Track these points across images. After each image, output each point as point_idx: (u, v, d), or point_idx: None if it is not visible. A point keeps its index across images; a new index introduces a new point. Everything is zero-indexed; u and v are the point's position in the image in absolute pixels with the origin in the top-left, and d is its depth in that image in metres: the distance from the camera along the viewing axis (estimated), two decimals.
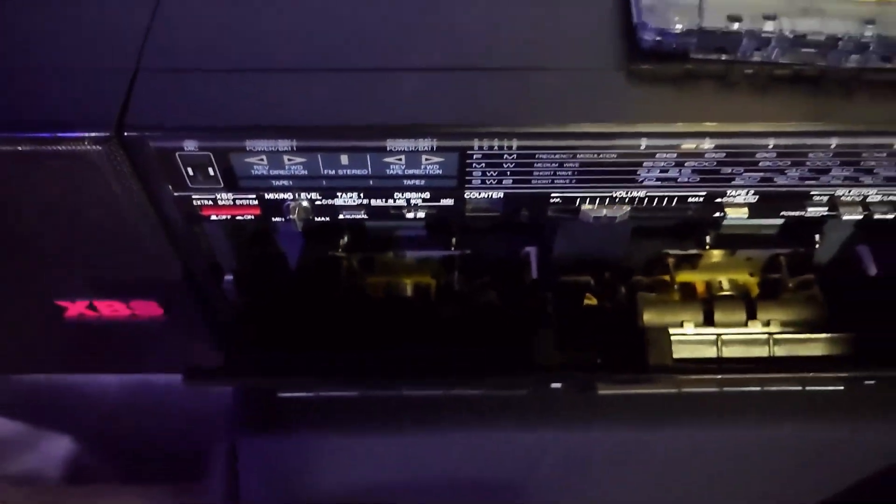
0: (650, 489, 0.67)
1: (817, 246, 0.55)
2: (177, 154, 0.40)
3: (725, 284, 0.60)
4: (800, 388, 0.61)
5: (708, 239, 0.54)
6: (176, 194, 0.43)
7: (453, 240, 0.54)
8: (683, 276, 0.60)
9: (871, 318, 0.55)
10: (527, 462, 0.65)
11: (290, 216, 0.43)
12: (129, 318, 0.54)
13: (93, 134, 0.39)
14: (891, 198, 0.44)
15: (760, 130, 0.40)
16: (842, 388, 0.61)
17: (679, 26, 0.40)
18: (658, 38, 0.40)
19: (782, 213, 0.45)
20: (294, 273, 0.56)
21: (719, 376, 0.54)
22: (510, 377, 0.54)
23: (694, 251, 0.58)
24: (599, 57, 0.42)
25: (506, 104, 0.40)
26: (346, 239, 0.53)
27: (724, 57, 0.41)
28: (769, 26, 0.40)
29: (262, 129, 0.39)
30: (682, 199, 0.44)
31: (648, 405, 0.63)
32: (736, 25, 0.40)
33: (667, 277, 0.58)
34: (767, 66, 0.41)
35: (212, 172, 0.41)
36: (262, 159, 0.41)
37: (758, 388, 0.62)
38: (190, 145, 0.40)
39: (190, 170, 0.41)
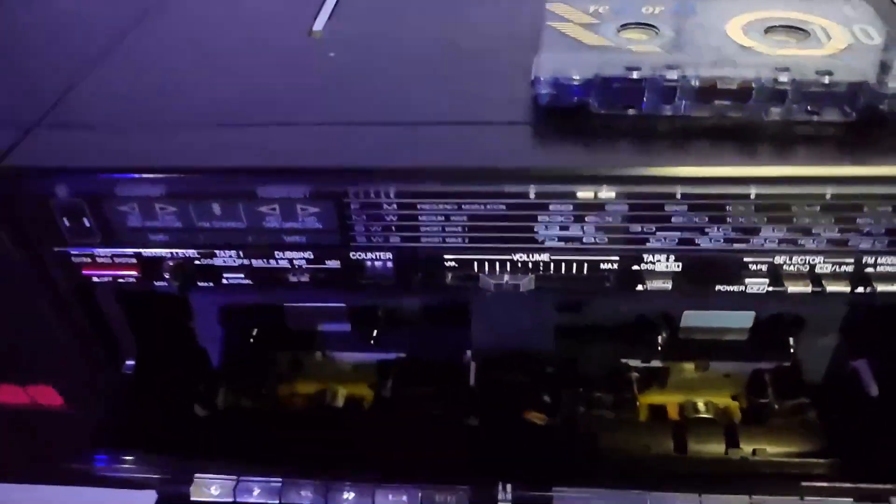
0: None
1: (794, 352, 0.47)
2: (50, 202, 0.39)
3: (701, 406, 0.52)
4: None
5: (661, 340, 0.47)
6: (55, 249, 0.41)
7: (374, 332, 0.49)
8: (652, 397, 0.52)
9: (874, 443, 0.45)
10: None
11: (168, 276, 0.41)
12: (29, 405, 0.50)
13: None
14: (843, 268, 0.37)
15: (661, 175, 0.35)
16: None
17: (576, 76, 0.38)
18: (554, 92, 0.38)
19: (717, 288, 0.39)
20: (211, 367, 0.52)
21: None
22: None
23: (659, 364, 0.51)
24: (506, 112, 0.39)
25: (382, 150, 0.37)
26: (257, 330, 0.50)
27: (630, 112, 0.38)
28: (672, 75, 0.37)
29: (128, 168, 0.38)
30: (594, 265, 0.38)
31: None
32: (635, 74, 0.37)
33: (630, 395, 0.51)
34: (679, 120, 0.38)
35: (87, 224, 0.40)
36: (133, 207, 0.39)
37: None
38: (62, 191, 0.38)
39: (66, 220, 0.40)
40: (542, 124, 0.38)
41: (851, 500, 0.43)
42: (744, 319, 0.47)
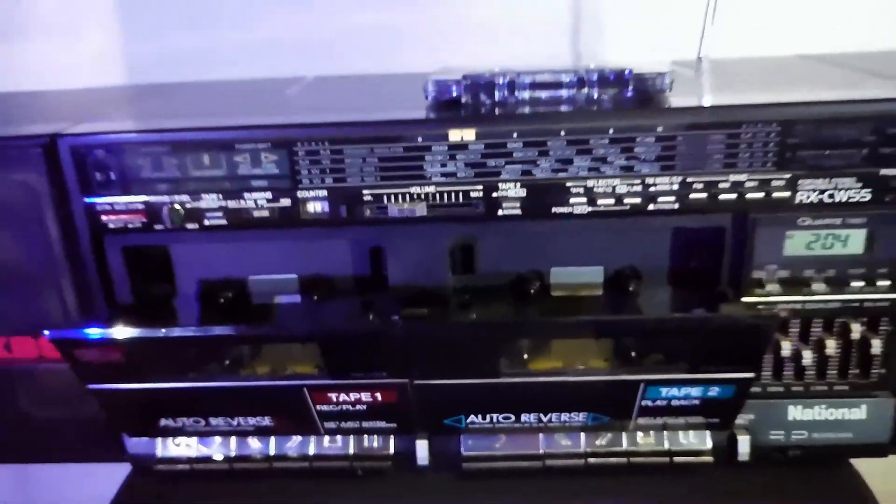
0: None
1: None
2: (87, 158, 0.56)
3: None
4: (667, 459, 0.61)
5: (532, 290, 0.61)
6: (86, 200, 0.57)
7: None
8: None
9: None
10: None
11: (165, 217, 0.57)
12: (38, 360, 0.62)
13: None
14: (634, 188, 0.55)
15: (504, 124, 0.54)
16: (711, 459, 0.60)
17: (452, 79, 0.58)
18: (437, 90, 0.58)
19: (553, 210, 0.55)
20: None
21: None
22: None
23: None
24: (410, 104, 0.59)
25: (325, 114, 0.56)
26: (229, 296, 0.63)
27: (483, 99, 0.58)
28: (511, 77, 0.57)
29: (147, 131, 0.56)
30: (465, 193, 0.55)
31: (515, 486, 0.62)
32: (487, 76, 0.57)
33: None
34: (515, 104, 0.57)
35: (112, 176, 0.56)
36: (147, 160, 0.56)
37: (625, 461, 0.61)
38: (97, 149, 0.56)
39: (98, 174, 0.56)
40: (430, 108, 0.58)
41: None
42: (596, 274, 0.62)
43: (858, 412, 0.61)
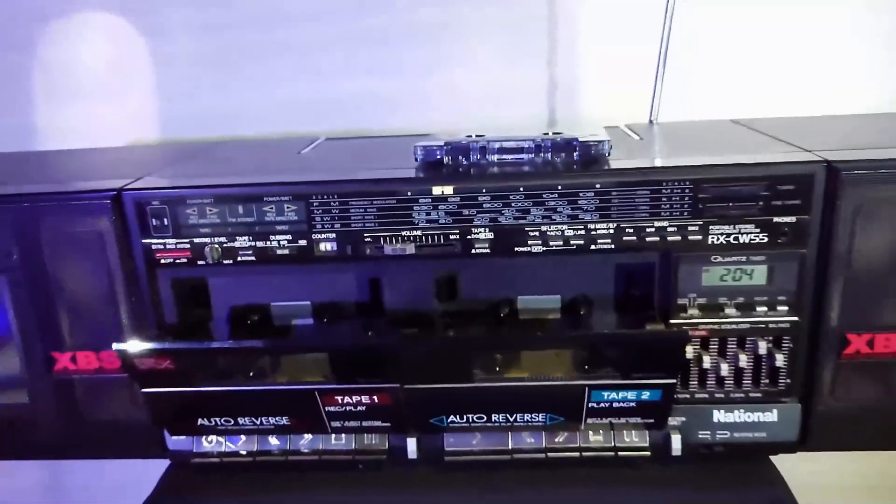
0: None
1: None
2: (147, 207, 0.71)
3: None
4: (613, 454, 0.74)
5: (502, 314, 0.75)
6: (143, 241, 0.72)
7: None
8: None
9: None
10: None
11: (207, 254, 0.71)
12: (97, 371, 0.76)
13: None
14: (579, 232, 0.69)
15: (467, 184, 0.68)
16: (649, 454, 0.73)
17: (436, 145, 0.72)
18: (424, 153, 0.73)
19: (516, 249, 0.70)
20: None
21: None
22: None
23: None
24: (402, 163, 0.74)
25: (335, 174, 0.71)
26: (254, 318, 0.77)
27: (461, 160, 0.72)
28: (483, 143, 0.72)
29: (197, 187, 0.70)
30: (446, 236, 0.70)
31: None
32: (473, 137, 0.72)
33: None
34: (486, 165, 0.72)
35: (165, 222, 0.71)
36: (193, 210, 0.70)
37: (578, 455, 0.74)
38: (154, 201, 0.71)
39: (154, 219, 0.71)
40: (418, 168, 0.72)
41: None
42: (555, 301, 0.76)
43: (771, 415, 0.74)
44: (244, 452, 0.76)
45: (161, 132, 1.14)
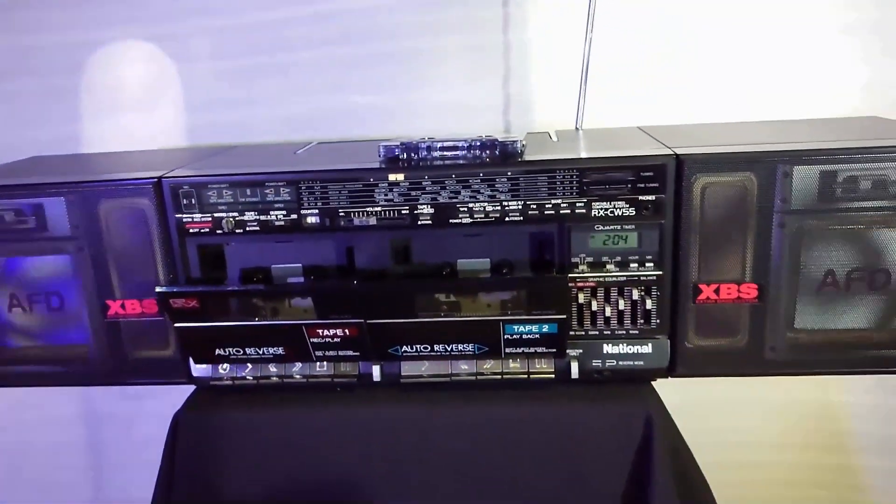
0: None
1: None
2: (179, 190, 0.96)
3: None
4: (526, 376, 0.98)
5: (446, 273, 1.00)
6: (176, 216, 0.97)
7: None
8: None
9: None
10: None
11: (224, 225, 0.96)
12: (140, 315, 1.01)
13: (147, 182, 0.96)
14: (495, 208, 0.93)
15: (416, 174, 0.93)
16: (553, 377, 0.97)
17: (393, 144, 0.97)
18: (384, 151, 0.97)
19: (450, 221, 0.94)
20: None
21: None
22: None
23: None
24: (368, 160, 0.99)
25: (316, 166, 0.96)
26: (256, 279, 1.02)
27: (411, 155, 0.97)
28: (428, 142, 0.97)
29: (216, 175, 0.95)
30: (399, 211, 0.94)
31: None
32: (424, 139, 0.97)
33: None
34: (432, 160, 0.96)
35: (193, 201, 0.96)
36: (214, 192, 0.96)
37: (500, 377, 0.98)
38: (185, 186, 0.96)
39: (184, 199, 0.96)
40: (381, 161, 0.97)
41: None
42: (485, 263, 1.00)
43: (647, 348, 0.98)
44: (251, 378, 1.01)
45: (185, 139, 1.40)
